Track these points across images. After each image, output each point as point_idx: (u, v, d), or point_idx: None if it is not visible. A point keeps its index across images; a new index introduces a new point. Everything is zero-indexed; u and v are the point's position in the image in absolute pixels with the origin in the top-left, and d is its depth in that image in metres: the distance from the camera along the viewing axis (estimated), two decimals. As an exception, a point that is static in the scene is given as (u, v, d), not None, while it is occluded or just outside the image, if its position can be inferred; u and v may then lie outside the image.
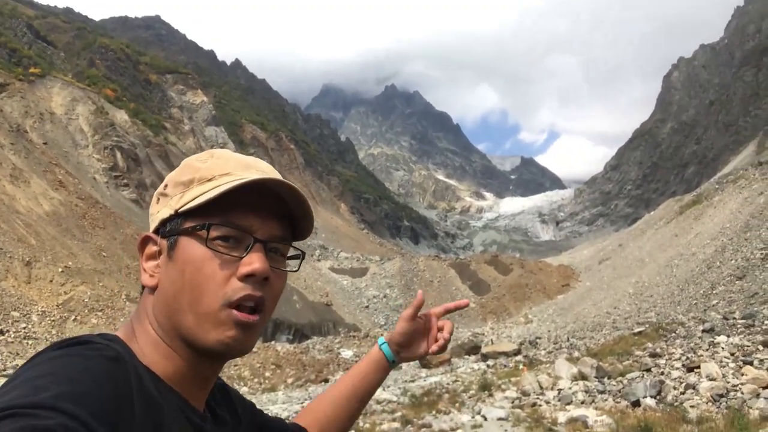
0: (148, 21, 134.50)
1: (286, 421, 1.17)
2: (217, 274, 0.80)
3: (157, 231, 0.85)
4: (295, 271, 0.90)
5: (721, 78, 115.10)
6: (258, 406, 1.10)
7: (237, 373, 22.47)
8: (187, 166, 0.87)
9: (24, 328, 20.96)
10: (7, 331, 20.30)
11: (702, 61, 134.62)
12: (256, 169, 0.86)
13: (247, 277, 0.80)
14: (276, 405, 15.94)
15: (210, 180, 0.83)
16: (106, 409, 0.63)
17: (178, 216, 0.83)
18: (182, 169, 0.88)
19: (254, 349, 24.12)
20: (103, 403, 0.64)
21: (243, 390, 20.80)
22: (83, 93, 49.67)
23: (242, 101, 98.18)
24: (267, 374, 23.30)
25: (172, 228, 0.83)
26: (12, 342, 19.68)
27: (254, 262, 0.80)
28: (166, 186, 0.87)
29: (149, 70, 74.90)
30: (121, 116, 51.83)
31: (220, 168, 0.84)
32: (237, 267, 0.81)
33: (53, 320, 22.46)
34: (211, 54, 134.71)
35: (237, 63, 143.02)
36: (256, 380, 22.57)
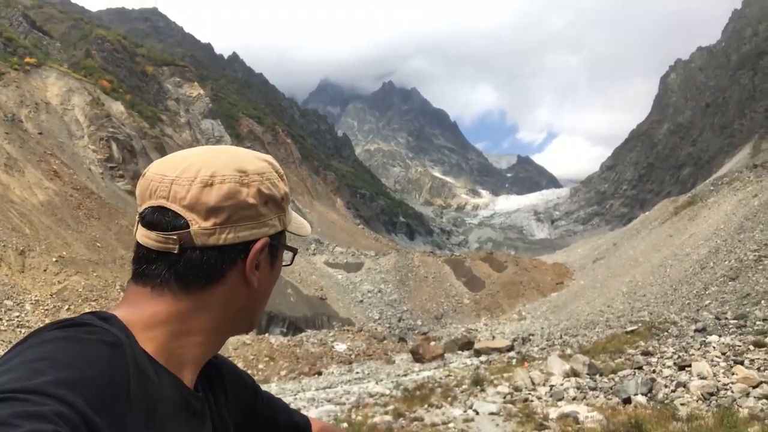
0: (146, 13, 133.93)
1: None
2: None
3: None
4: (288, 264, 1.00)
5: (718, 80, 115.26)
6: None
7: (230, 366, 22.49)
8: (271, 180, 0.90)
9: (17, 316, 20.92)
10: (0, 319, 20.27)
11: (699, 63, 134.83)
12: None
13: None
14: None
15: (288, 202, 0.94)
16: (102, 396, 0.63)
17: (283, 232, 0.93)
18: (274, 182, 0.90)
19: (248, 341, 24.18)
20: (99, 390, 0.63)
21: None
22: (79, 84, 49.41)
23: (239, 95, 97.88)
24: (260, 366, 23.34)
25: (279, 241, 0.92)
26: (5, 330, 19.64)
27: None
28: (273, 190, 0.89)
29: (146, 62, 74.46)
30: (117, 107, 51.60)
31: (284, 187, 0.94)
32: None
33: (47, 309, 22.42)
34: (208, 47, 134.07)
35: (234, 56, 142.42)
36: (249, 372, 22.53)
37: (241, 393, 1.03)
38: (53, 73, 48.89)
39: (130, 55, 72.74)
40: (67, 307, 23.13)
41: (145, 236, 0.82)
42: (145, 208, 0.83)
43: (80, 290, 24.59)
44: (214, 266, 0.82)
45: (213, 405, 0.93)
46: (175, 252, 0.80)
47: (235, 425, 0.99)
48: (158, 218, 0.81)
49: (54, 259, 25.61)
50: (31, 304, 22.16)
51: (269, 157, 0.92)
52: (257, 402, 1.07)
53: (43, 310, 22.23)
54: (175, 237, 0.80)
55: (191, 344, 0.83)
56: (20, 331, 19.90)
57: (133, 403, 0.68)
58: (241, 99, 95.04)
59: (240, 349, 23.75)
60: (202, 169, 0.82)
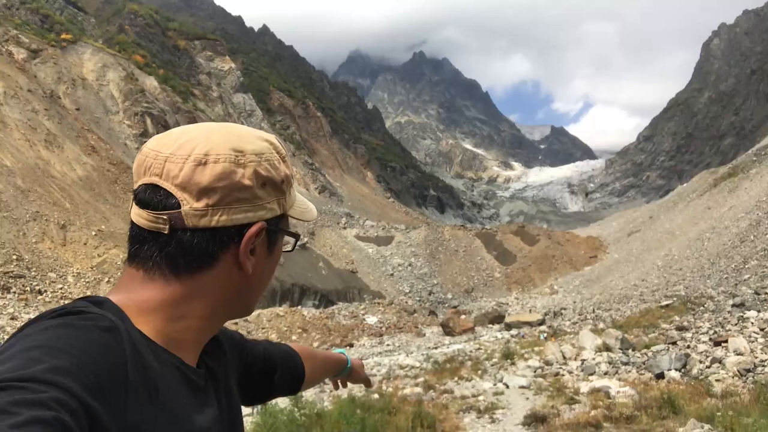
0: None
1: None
2: None
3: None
4: (290, 251, 0.99)
5: (765, 45, 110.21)
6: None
7: (264, 336, 23.01)
8: (271, 161, 0.85)
9: (60, 288, 21.73)
10: (45, 291, 21.07)
11: (745, 27, 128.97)
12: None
13: None
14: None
15: (290, 185, 0.89)
16: (99, 381, 0.64)
17: (283, 216, 0.88)
18: (274, 163, 0.85)
19: (281, 313, 24.55)
20: (96, 375, 0.64)
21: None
22: (113, 59, 50.14)
23: (270, 68, 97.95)
24: (293, 338, 23.80)
25: (277, 226, 0.87)
26: (50, 302, 20.43)
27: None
28: (272, 173, 0.84)
29: (178, 36, 74.99)
30: (150, 82, 52.27)
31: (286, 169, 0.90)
32: None
33: (88, 282, 23.20)
34: (239, 20, 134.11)
35: (265, 29, 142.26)
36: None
37: (239, 351, 1.06)
38: (88, 49, 49.70)
39: (162, 29, 73.34)
40: (107, 279, 23.88)
41: (137, 215, 0.79)
42: (139, 186, 0.80)
43: (119, 263, 25.31)
44: (206, 249, 0.79)
45: (219, 377, 0.93)
46: (166, 232, 0.78)
47: (239, 378, 1.03)
48: (150, 196, 0.79)
49: (93, 233, 26.40)
50: (73, 276, 22.96)
51: (272, 137, 0.89)
52: (246, 347, 1.11)
53: (84, 282, 23.01)
54: (165, 217, 0.77)
55: (187, 328, 0.82)
56: (64, 303, 20.65)
57: (131, 386, 0.68)
58: (272, 72, 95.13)
59: (273, 321, 24.25)
60: (197, 147, 0.79)
